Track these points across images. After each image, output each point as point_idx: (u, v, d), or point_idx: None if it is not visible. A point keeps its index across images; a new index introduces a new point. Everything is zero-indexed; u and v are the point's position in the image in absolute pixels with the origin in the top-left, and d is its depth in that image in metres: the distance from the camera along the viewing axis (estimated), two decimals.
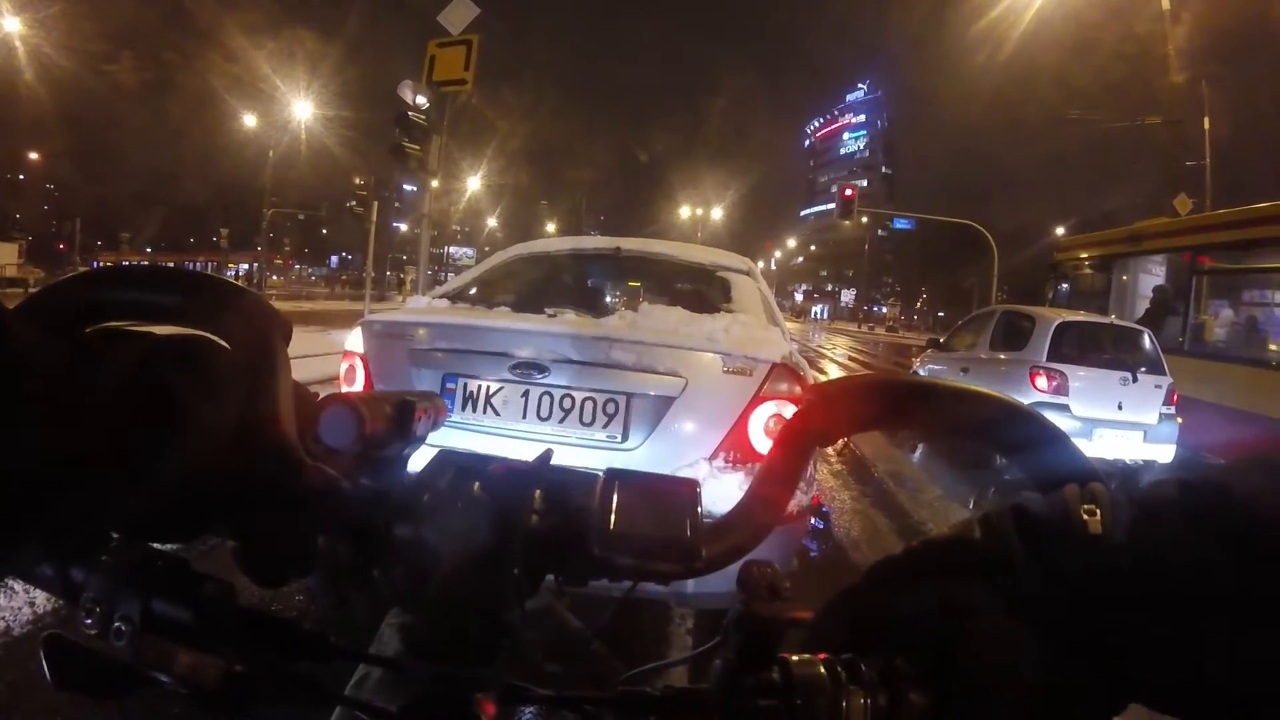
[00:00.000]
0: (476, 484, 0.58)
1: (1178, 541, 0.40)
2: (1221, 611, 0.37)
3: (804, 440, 0.56)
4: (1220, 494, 0.41)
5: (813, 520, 2.41)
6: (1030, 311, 8.51)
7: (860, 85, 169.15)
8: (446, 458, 0.64)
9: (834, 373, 18.88)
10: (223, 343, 0.52)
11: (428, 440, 0.66)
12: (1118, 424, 7.27)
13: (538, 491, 0.57)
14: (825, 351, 29.27)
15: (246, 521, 0.52)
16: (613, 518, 0.53)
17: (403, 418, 0.60)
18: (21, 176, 78.11)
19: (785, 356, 2.53)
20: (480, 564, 0.51)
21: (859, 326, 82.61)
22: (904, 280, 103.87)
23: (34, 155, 72.59)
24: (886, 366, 22.69)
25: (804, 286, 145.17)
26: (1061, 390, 7.33)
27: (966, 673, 0.41)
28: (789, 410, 2.43)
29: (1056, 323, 7.72)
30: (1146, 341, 7.72)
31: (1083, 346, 7.66)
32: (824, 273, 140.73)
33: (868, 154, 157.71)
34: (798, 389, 2.47)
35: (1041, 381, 7.41)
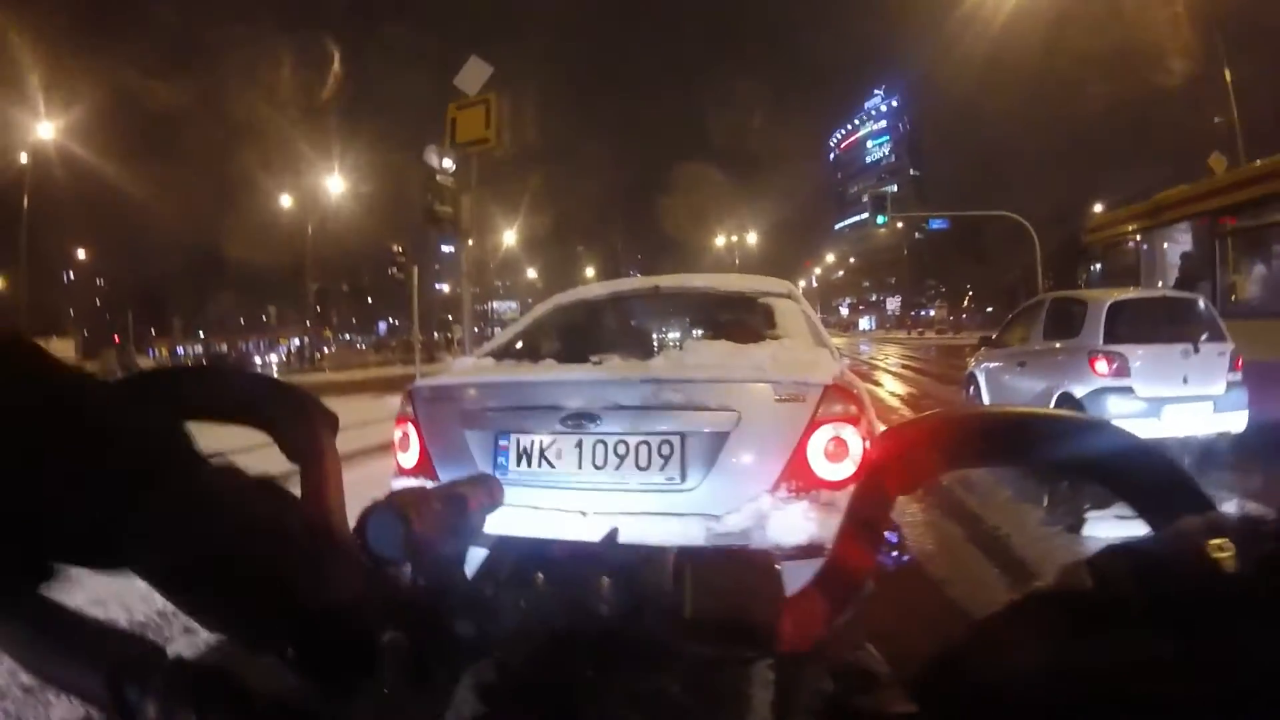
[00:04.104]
0: (539, 574, 0.56)
1: None
2: None
3: (884, 491, 0.52)
4: None
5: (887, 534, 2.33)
6: (1080, 295, 8.30)
7: (877, 91, 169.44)
8: (505, 545, 0.62)
9: (889, 384, 18.60)
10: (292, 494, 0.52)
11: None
12: (1185, 399, 6.96)
13: (605, 578, 0.54)
14: (878, 362, 28.89)
15: (305, 627, 0.51)
16: (688, 603, 0.50)
17: (454, 513, 0.58)
18: (71, 274, 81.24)
19: (837, 377, 2.49)
20: (549, 662, 0.48)
21: (908, 333, 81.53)
22: (947, 280, 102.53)
23: (81, 253, 75.63)
24: (940, 370, 22.27)
25: (848, 300, 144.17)
26: (1123, 372, 7.06)
27: None
28: (847, 432, 2.38)
29: (1109, 303, 7.45)
30: (1203, 309, 7.45)
31: (1138, 324, 7.33)
32: (866, 283, 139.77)
33: (894, 158, 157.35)
34: (854, 409, 2.42)
35: (1101, 365, 7.14)
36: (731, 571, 0.54)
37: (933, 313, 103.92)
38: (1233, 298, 9.58)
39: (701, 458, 2.40)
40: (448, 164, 10.35)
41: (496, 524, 0.65)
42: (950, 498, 6.09)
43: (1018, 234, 25.52)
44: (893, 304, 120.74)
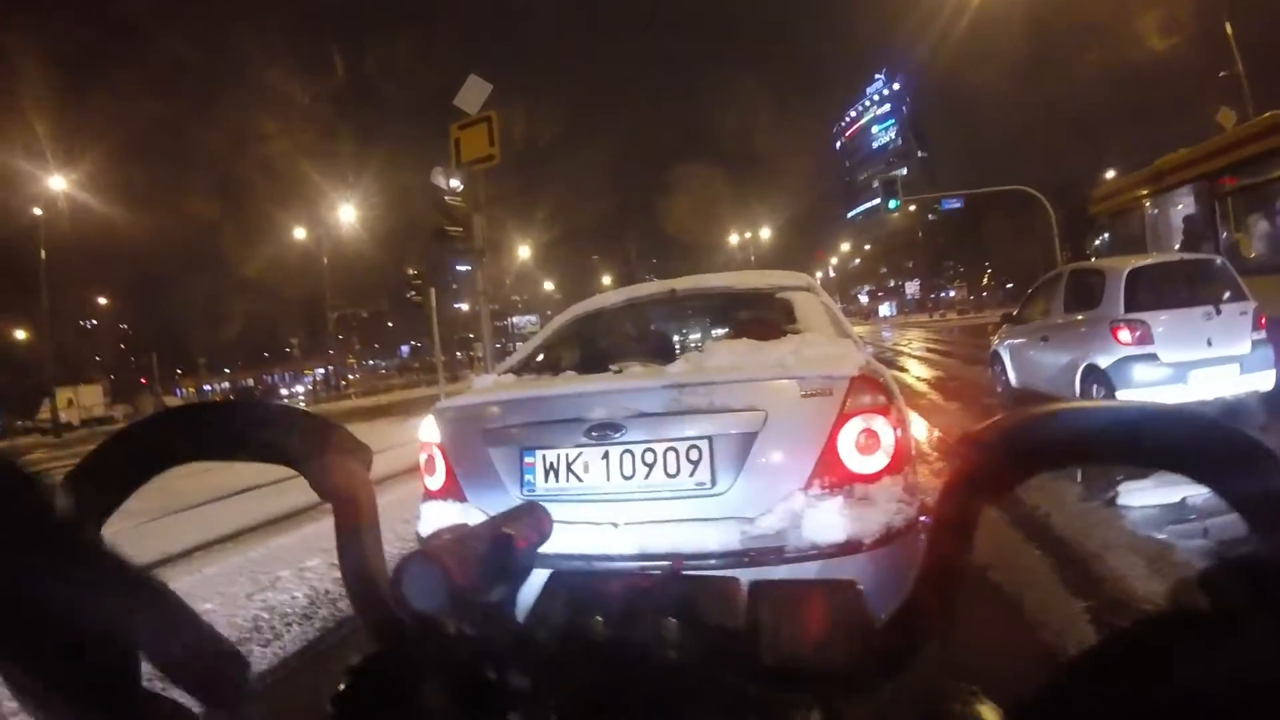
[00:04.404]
0: (597, 618, 0.52)
1: None
2: None
3: (968, 502, 0.48)
4: None
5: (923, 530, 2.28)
6: (1098, 266, 8.47)
7: (877, 76, 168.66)
8: (559, 583, 0.59)
9: (915, 369, 18.41)
10: None
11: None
12: (1210, 362, 7.05)
13: (671, 620, 0.50)
14: (902, 348, 28.63)
15: (350, 680, 0.48)
16: (766, 646, 0.46)
17: (499, 554, 0.54)
18: (94, 322, 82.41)
19: (862, 367, 2.44)
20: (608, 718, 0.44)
21: (930, 315, 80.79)
22: (964, 259, 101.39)
23: (102, 300, 76.84)
24: (965, 351, 22.02)
25: (867, 287, 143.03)
26: (1146, 339, 7.15)
27: None
28: (877, 423, 2.34)
29: (1127, 271, 7.56)
30: (1222, 270, 7.55)
31: (1159, 290, 7.43)
32: (883, 269, 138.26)
33: (900, 142, 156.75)
34: (882, 399, 2.37)
35: (1124, 334, 7.26)
36: (812, 602, 0.49)
37: (952, 293, 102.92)
38: (1252, 255, 9.63)
39: (731, 460, 2.36)
40: (455, 184, 10.37)
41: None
42: None
43: (1033, 207, 25.23)
44: (912, 288, 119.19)
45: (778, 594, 0.51)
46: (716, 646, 0.48)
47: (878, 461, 2.32)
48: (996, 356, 10.67)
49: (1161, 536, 4.19)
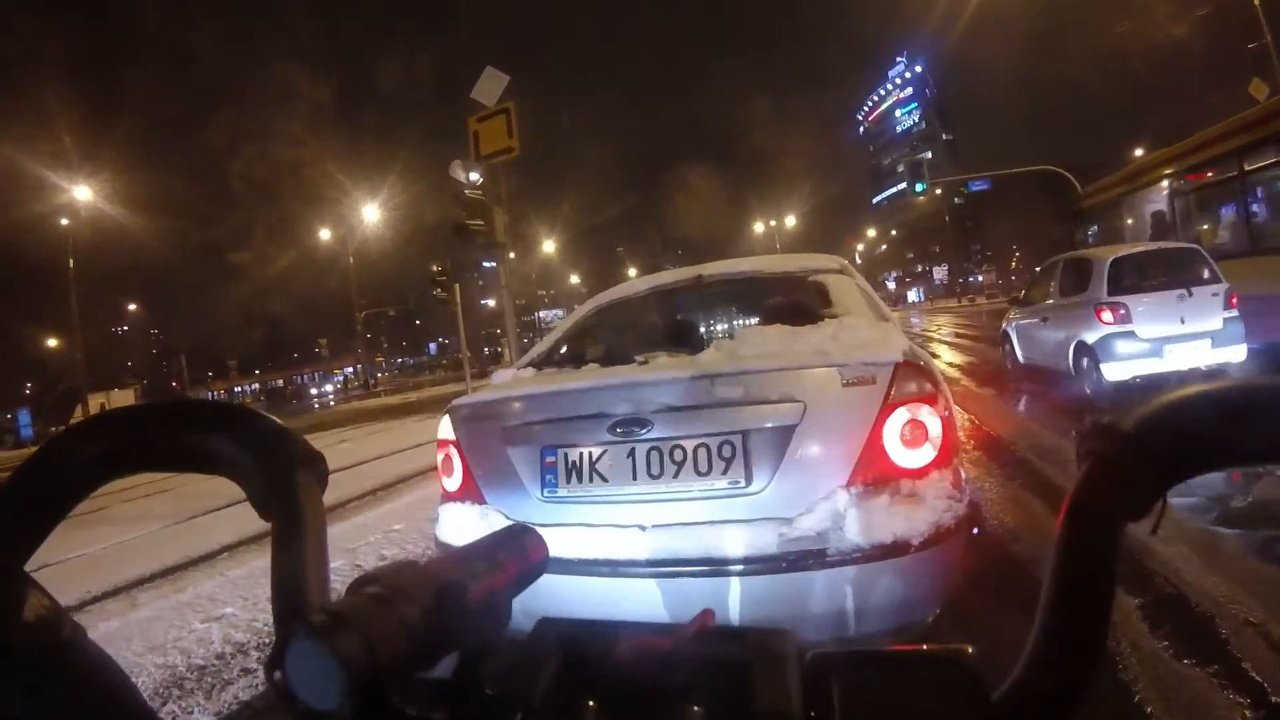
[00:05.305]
0: (591, 703, 0.38)
1: None
2: None
3: (1106, 519, 0.35)
4: None
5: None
6: (1087, 254, 9.58)
7: (899, 59, 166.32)
8: (546, 637, 0.44)
9: (945, 354, 18.08)
10: None
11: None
12: (1183, 337, 8.05)
13: (696, 708, 0.36)
14: (931, 334, 28.31)
15: None
16: None
17: (446, 612, 0.36)
18: (125, 328, 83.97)
19: (906, 353, 2.27)
20: None
21: (958, 301, 79.82)
22: (992, 243, 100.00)
23: (132, 306, 78.40)
24: (994, 335, 21.63)
25: (894, 273, 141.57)
26: (1126, 319, 8.21)
27: None
28: (924, 413, 2.17)
29: (1110, 260, 8.61)
30: (1197, 257, 8.47)
31: (1139, 275, 8.47)
32: (910, 254, 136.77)
33: (924, 125, 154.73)
34: (929, 386, 2.21)
35: (1107, 315, 8.34)
36: (901, 678, 0.36)
37: (980, 278, 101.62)
38: (1214, 242, 10.60)
39: (767, 456, 2.19)
40: (475, 177, 10.27)
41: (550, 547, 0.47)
42: (1027, 468, 5.79)
43: (1060, 187, 24.74)
44: (940, 273, 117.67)
45: (849, 665, 0.37)
46: None
47: (925, 454, 2.16)
48: (1006, 335, 11.96)
49: (1212, 527, 4.00)
